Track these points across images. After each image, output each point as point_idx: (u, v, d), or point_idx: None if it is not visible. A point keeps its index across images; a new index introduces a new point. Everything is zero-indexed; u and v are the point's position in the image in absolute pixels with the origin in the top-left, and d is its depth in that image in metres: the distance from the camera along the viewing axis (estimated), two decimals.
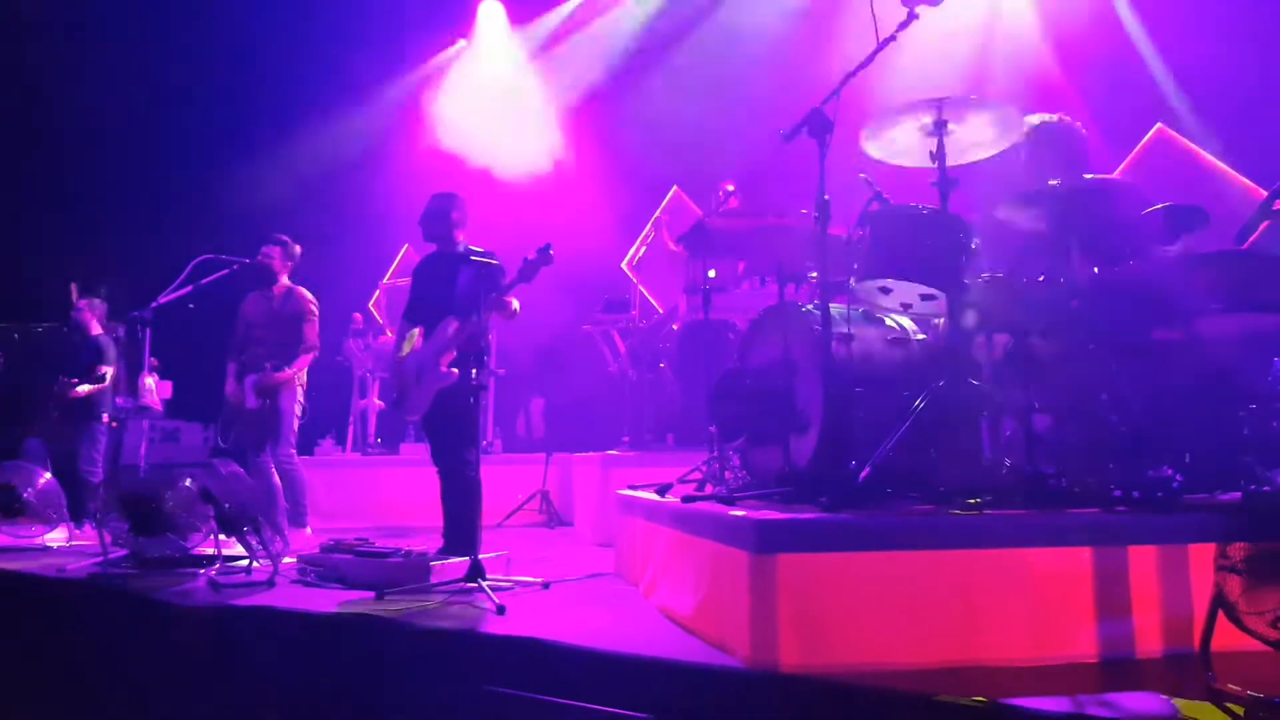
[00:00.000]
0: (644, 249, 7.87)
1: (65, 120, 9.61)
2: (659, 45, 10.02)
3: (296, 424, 6.29)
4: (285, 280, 6.45)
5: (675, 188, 8.02)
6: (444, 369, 4.99)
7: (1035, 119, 4.42)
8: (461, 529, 5.01)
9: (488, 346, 5.87)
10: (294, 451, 6.29)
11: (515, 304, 5.06)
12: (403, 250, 11.54)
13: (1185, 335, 3.70)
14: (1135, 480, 3.43)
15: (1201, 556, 2.95)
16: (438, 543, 5.14)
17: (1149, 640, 3.00)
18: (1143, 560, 3.05)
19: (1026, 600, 2.98)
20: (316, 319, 6.41)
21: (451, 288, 5.13)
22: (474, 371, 4.92)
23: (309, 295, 6.43)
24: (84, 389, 7.87)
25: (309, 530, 6.27)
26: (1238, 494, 3.33)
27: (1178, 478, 3.40)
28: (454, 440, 5.11)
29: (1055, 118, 4.46)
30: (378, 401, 9.83)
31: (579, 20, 10.57)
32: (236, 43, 9.88)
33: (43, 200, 9.72)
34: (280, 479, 6.16)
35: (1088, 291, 3.79)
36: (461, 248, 5.33)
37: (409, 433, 9.26)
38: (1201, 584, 2.95)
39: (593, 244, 9.80)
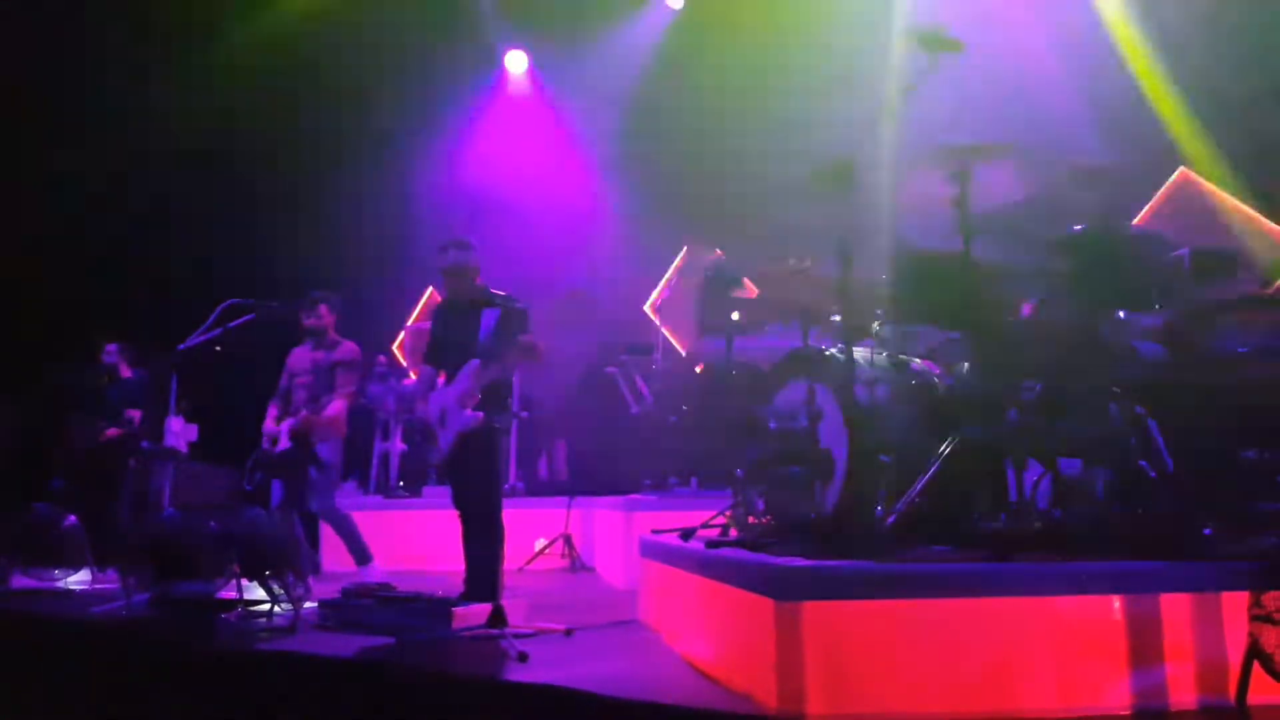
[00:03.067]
0: (667, 291, 7.89)
1: (100, 171, 9.73)
2: (685, 88, 10.06)
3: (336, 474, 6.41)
4: (333, 334, 6.57)
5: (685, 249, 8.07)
6: (466, 412, 4.98)
7: (1080, 161, 4.40)
8: (483, 573, 4.98)
9: (510, 389, 5.88)
10: (333, 501, 6.42)
11: (538, 346, 5.06)
12: (427, 293, 11.62)
13: (1215, 378, 3.66)
14: (1166, 526, 3.37)
15: (1235, 605, 2.91)
16: (460, 587, 5.11)
17: (1183, 691, 2.94)
18: (1175, 608, 2.99)
19: (1057, 649, 2.93)
20: (358, 368, 6.55)
21: (473, 330, 5.12)
22: (496, 415, 4.92)
23: (354, 346, 6.56)
24: (114, 432, 7.93)
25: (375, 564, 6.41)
26: (1272, 541, 3.27)
27: (1209, 523, 3.34)
28: (476, 483, 5.10)
29: (1099, 162, 4.45)
30: (400, 444, 9.83)
31: (604, 64, 10.63)
32: (265, 93, 9.98)
33: (73, 244, 9.83)
34: (334, 529, 6.36)
35: (1113, 334, 3.77)
36: (481, 291, 5.31)
37: (431, 475, 9.24)
38: (1236, 633, 2.90)
39: (616, 286, 9.81)
